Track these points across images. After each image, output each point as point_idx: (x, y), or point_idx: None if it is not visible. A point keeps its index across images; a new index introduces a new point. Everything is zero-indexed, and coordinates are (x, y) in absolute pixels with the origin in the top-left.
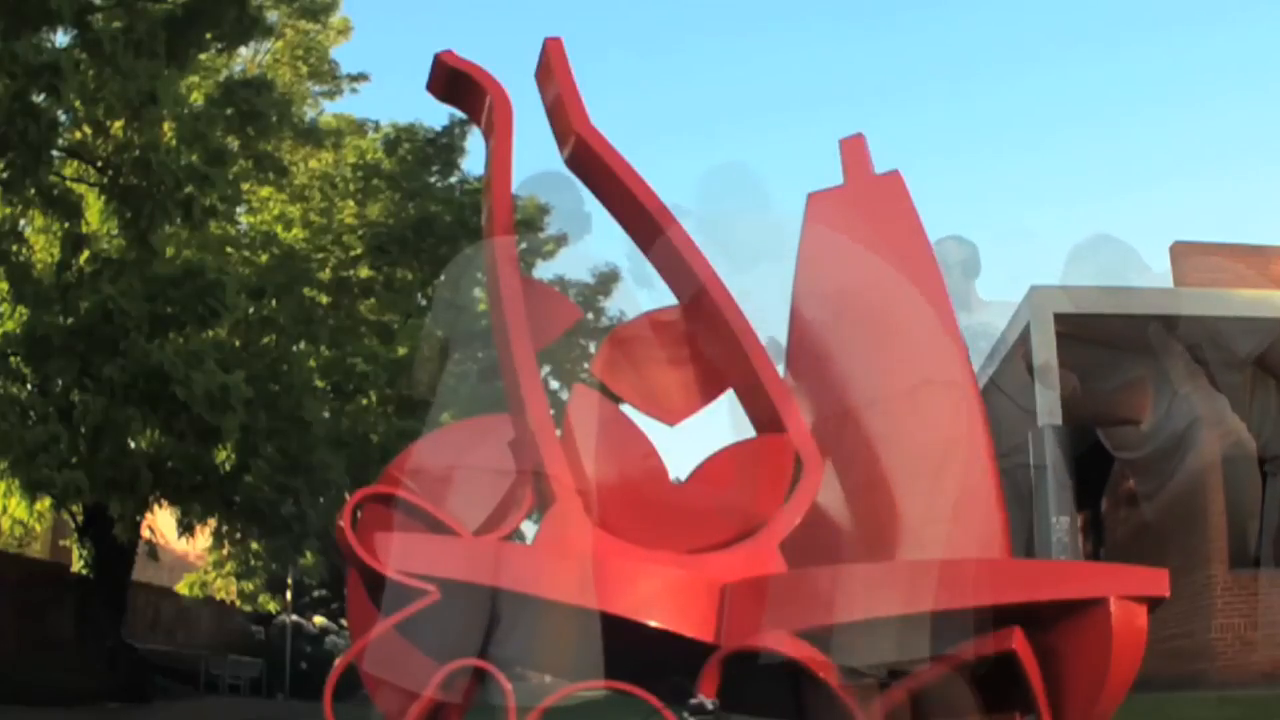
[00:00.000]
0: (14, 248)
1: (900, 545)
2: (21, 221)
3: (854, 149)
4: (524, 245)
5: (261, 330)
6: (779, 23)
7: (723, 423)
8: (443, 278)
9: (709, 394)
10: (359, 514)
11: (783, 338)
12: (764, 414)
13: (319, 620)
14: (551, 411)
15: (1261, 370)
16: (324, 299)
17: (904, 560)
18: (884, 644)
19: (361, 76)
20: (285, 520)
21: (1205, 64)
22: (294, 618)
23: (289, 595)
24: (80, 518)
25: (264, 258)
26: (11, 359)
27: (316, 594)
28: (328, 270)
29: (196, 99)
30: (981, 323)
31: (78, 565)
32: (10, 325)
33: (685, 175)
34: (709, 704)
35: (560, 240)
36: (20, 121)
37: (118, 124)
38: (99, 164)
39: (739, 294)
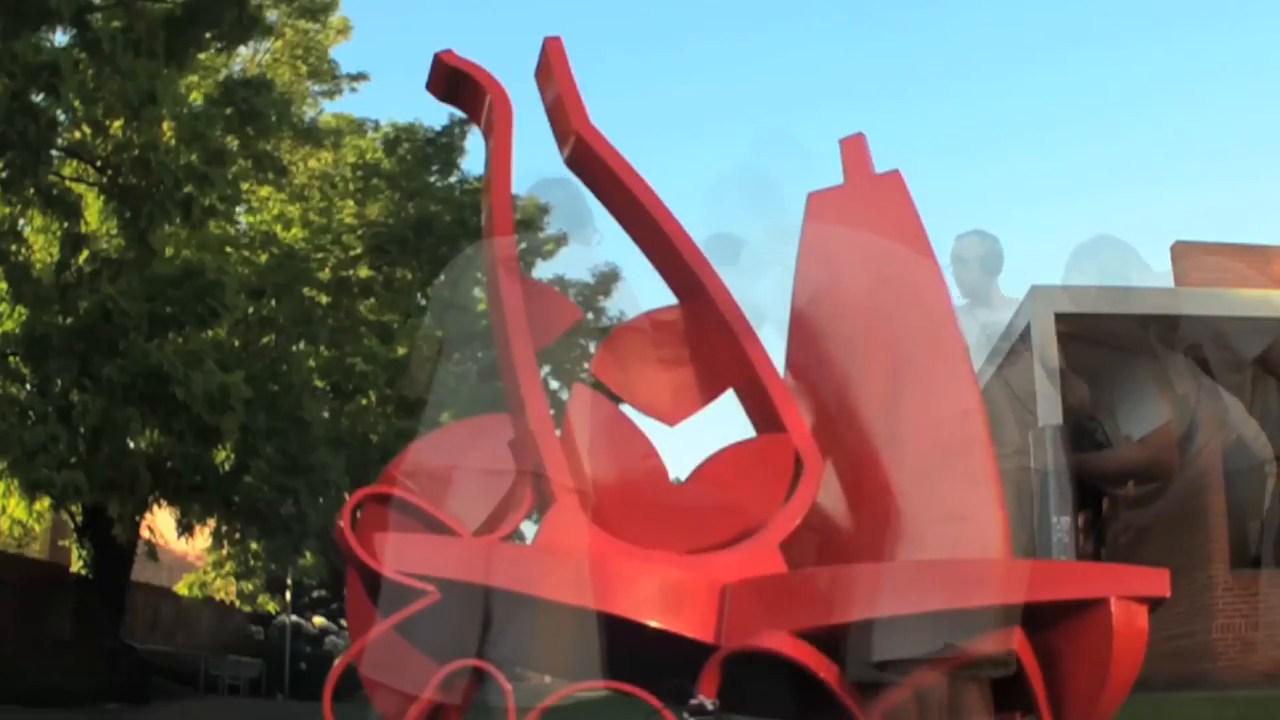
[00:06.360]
0: (13, 248)
1: (900, 546)
2: (21, 221)
3: (854, 148)
4: (524, 245)
5: (261, 330)
6: (779, 23)
7: (723, 423)
8: (442, 278)
9: (709, 394)
10: (358, 514)
11: (783, 338)
12: (764, 414)
13: (319, 620)
14: (551, 411)
15: (1262, 370)
16: (324, 299)
17: (904, 561)
18: (884, 645)
19: (361, 76)
20: (285, 520)
21: (1205, 64)
22: (293, 618)
23: (288, 595)
24: (79, 518)
25: (263, 258)
26: (11, 359)
27: (316, 594)
28: (327, 270)
29: (196, 98)
30: (1002, 320)
31: (77, 565)
32: (9, 325)
33: (685, 175)
34: (709, 704)
35: (560, 240)
36: (20, 121)
37: (117, 124)
38: (98, 164)
39: (739, 293)
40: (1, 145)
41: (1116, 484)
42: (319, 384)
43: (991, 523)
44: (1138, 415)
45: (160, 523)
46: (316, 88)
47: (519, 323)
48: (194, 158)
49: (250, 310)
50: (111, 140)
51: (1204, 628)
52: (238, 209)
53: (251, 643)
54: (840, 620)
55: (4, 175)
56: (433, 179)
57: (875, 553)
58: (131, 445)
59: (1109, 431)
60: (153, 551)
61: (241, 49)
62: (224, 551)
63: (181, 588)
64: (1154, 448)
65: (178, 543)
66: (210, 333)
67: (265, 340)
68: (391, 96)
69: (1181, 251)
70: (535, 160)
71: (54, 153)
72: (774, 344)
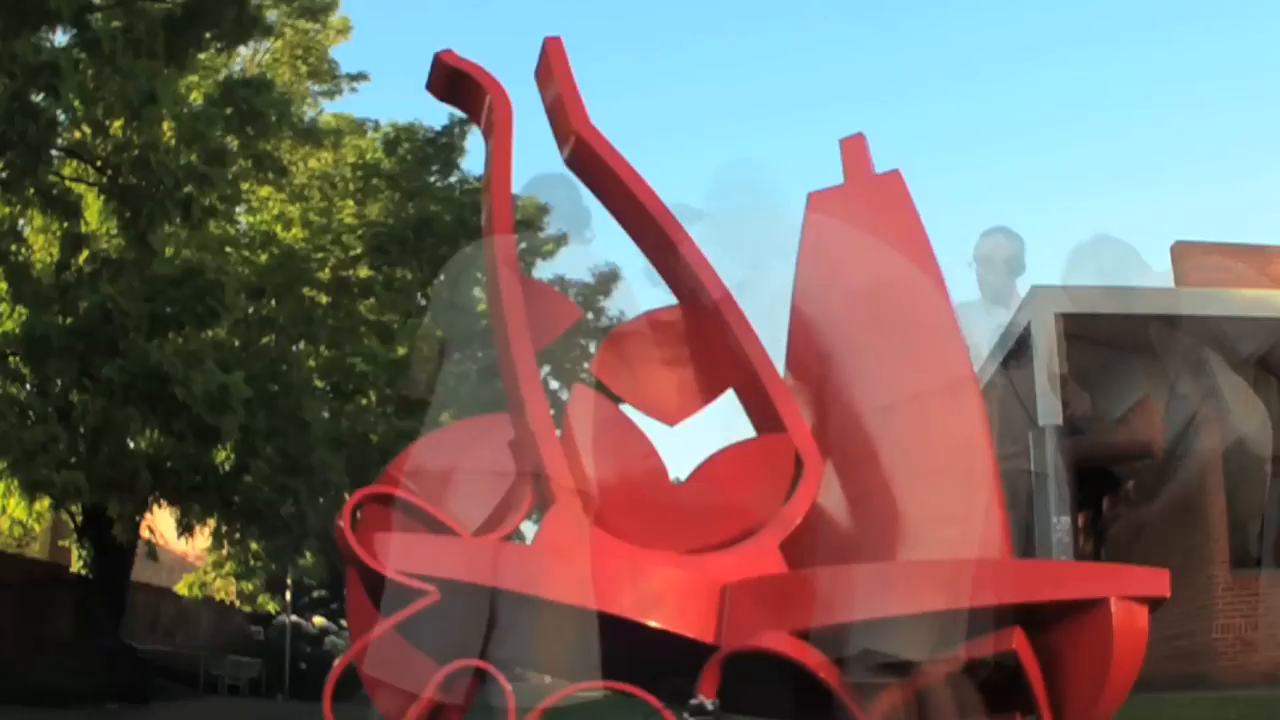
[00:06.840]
0: (13, 247)
1: (900, 546)
2: (21, 221)
3: (854, 148)
4: (524, 245)
5: (261, 330)
6: (779, 23)
7: (723, 423)
8: (442, 278)
9: (709, 394)
10: (358, 514)
11: (783, 338)
12: (764, 414)
13: (318, 620)
14: (551, 411)
15: (1263, 370)
16: (323, 299)
17: (904, 561)
18: (884, 645)
19: (361, 76)
20: (285, 520)
21: (1205, 64)
22: (293, 618)
23: (288, 595)
24: (79, 518)
25: (263, 258)
26: (11, 359)
27: (316, 594)
28: (327, 270)
29: (196, 98)
30: (1017, 322)
31: (77, 565)
32: (10, 325)
33: (685, 175)
34: (709, 704)
35: (560, 240)
36: (20, 121)
37: (117, 124)
38: (98, 164)
39: (740, 293)
40: (1, 145)
41: (1109, 463)
42: (319, 384)
43: (991, 523)
44: (1121, 399)
45: (160, 523)
46: (316, 88)
47: (519, 323)
48: (194, 158)
49: (250, 310)
50: (111, 140)
51: (1204, 628)
52: (238, 209)
53: (251, 643)
54: (840, 620)
55: (4, 175)
56: (433, 179)
57: (875, 552)
58: (131, 445)
59: (1097, 419)
60: (153, 551)
61: (241, 49)
62: (224, 551)
63: (181, 588)
64: (1134, 424)
65: (178, 543)
66: (210, 333)
67: (265, 340)
68: (391, 96)
69: (1181, 251)
70: (535, 160)
71: (54, 153)
72: (774, 344)
